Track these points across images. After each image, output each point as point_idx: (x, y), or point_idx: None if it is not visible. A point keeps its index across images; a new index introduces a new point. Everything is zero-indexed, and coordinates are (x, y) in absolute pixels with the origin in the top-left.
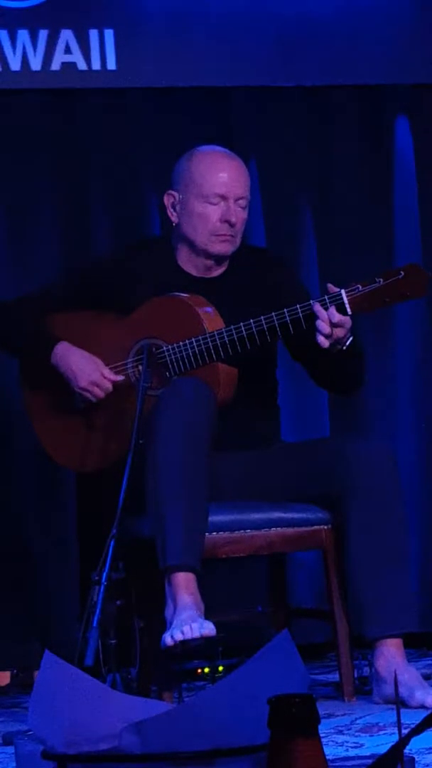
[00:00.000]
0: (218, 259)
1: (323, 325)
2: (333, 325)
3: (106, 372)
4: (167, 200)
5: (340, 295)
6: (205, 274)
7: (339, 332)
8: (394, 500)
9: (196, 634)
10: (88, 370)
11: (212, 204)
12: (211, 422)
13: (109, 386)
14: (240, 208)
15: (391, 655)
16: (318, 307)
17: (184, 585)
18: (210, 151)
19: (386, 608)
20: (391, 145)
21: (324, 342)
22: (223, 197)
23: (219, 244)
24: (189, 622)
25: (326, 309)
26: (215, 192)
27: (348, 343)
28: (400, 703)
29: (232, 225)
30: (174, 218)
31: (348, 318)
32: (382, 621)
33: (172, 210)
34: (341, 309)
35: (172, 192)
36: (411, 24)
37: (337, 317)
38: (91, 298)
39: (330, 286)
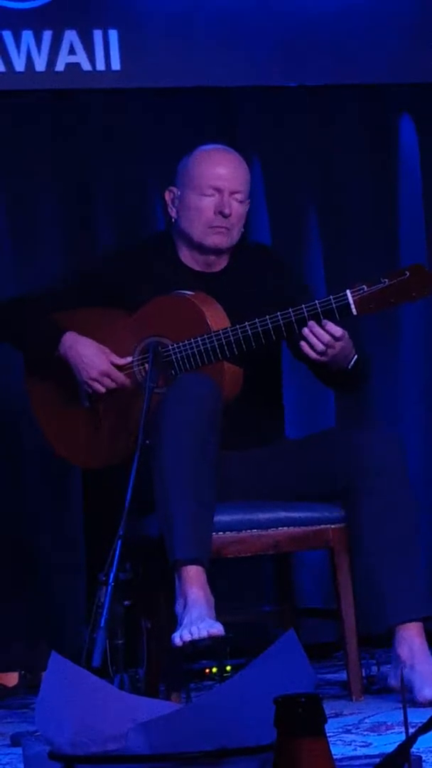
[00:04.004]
0: (215, 252)
1: (316, 342)
2: (326, 344)
3: (115, 359)
4: (168, 196)
5: (345, 295)
6: (206, 269)
7: (332, 351)
8: (402, 487)
9: (204, 634)
10: (97, 360)
11: (207, 196)
12: (217, 417)
13: (122, 378)
14: (236, 201)
15: (411, 639)
16: (312, 327)
17: (195, 579)
18: (210, 147)
19: (405, 594)
20: (395, 144)
21: (315, 356)
22: (218, 189)
23: (214, 236)
24: (197, 623)
25: (331, 314)
26: (209, 184)
27: (352, 362)
28: (407, 697)
29: (226, 216)
30: (173, 214)
31: (338, 335)
32: (402, 607)
33: (171, 206)
34: (346, 310)
35: (172, 188)
36: (414, 22)
37: (327, 338)
38: (93, 296)
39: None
